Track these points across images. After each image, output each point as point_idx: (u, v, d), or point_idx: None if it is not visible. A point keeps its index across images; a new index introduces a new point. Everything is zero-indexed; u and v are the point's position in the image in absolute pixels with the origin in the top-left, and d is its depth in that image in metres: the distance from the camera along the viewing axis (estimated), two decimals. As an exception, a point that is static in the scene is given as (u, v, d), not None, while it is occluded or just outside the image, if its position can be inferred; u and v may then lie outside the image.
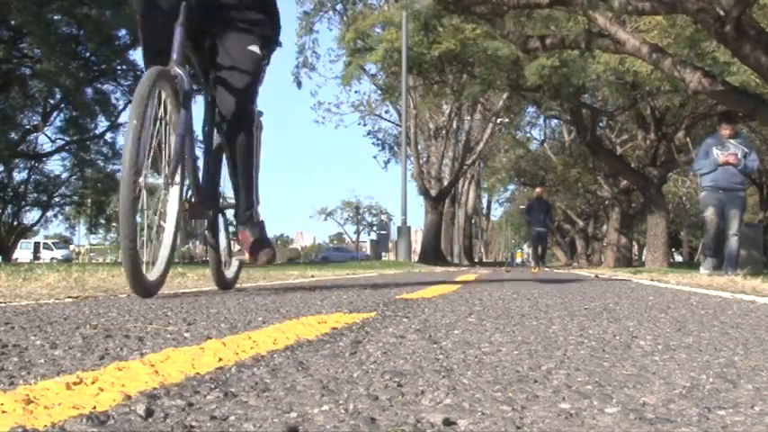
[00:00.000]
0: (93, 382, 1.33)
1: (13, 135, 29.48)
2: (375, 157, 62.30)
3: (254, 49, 4.43)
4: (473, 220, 57.89)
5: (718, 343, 2.16)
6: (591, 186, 34.67)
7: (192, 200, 4.46)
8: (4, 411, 1.11)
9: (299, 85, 30.95)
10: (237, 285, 5.35)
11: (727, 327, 2.66)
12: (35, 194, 34.42)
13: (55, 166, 59.72)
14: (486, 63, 18.84)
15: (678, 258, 52.67)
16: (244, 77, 4.32)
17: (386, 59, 20.75)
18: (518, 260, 67.57)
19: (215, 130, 4.61)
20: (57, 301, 3.73)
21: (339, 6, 30.88)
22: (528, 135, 41.55)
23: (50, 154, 32.42)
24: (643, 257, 30.56)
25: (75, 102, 29.46)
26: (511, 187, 54.87)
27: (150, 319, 2.71)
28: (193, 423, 1.10)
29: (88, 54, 29.39)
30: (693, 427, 1.12)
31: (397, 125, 36.58)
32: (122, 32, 29.01)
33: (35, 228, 43.04)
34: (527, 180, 40.50)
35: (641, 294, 4.97)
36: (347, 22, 25.46)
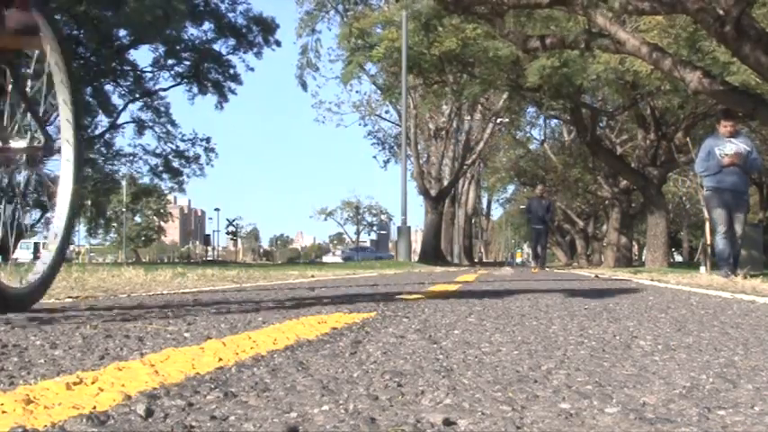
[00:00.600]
0: (93, 382, 1.33)
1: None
2: (375, 157, 62.33)
3: None
4: (473, 220, 57.90)
5: (718, 343, 2.16)
6: (591, 186, 34.68)
7: None
8: (4, 411, 1.11)
9: (305, 86, 30.82)
10: (237, 285, 5.36)
11: (727, 327, 2.66)
12: (35, 194, 34.41)
13: (55, 166, 59.68)
14: (486, 63, 18.83)
15: (678, 258, 52.68)
16: None
17: (386, 59, 20.76)
18: (518, 260, 67.58)
19: None
20: (56, 301, 3.73)
21: (340, 7, 30.90)
22: (528, 135, 41.56)
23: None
24: (643, 257, 30.56)
25: (74, 102, 29.39)
26: (511, 187, 54.87)
27: (150, 320, 2.71)
28: (193, 423, 1.10)
29: (88, 54, 29.40)
30: (693, 427, 1.12)
31: (397, 125, 36.59)
32: (122, 32, 29.05)
33: (35, 228, 43.07)
34: (527, 180, 40.51)
35: (641, 294, 4.96)
36: (348, 21, 25.45)
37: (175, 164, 33.72)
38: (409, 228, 24.58)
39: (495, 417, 1.16)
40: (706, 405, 1.26)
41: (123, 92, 31.89)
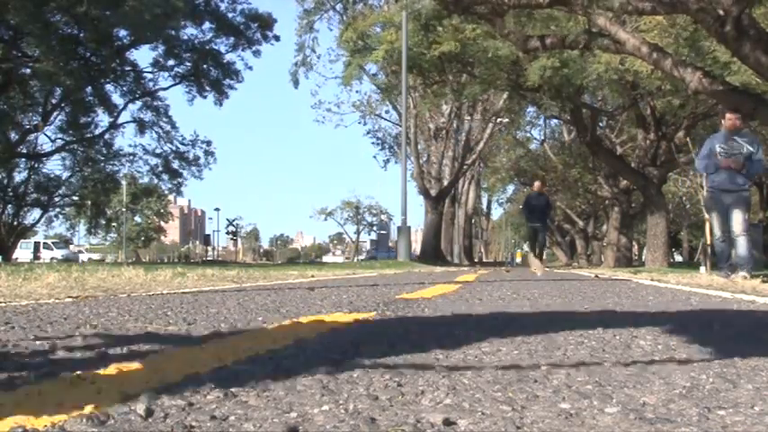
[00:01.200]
0: (93, 382, 1.33)
1: (13, 135, 29.47)
2: (375, 156, 62.27)
3: None
4: (473, 220, 57.89)
5: (718, 343, 2.15)
6: (591, 186, 34.65)
7: None
8: (4, 411, 1.11)
9: (296, 83, 30.84)
10: (237, 285, 5.36)
11: (728, 327, 2.66)
12: (35, 194, 34.42)
13: (55, 166, 59.77)
14: (486, 63, 18.83)
15: (678, 258, 52.68)
16: None
17: (386, 59, 20.75)
18: (518, 260, 67.53)
19: None
20: (57, 301, 3.73)
21: (339, 6, 30.91)
22: (528, 135, 41.54)
23: (50, 154, 32.44)
24: (643, 257, 30.55)
25: (74, 101, 29.45)
26: (511, 187, 54.85)
27: (150, 319, 2.71)
28: (193, 423, 1.10)
29: (88, 54, 29.39)
30: (693, 427, 1.12)
31: (397, 125, 36.59)
32: (122, 32, 29.05)
33: (35, 228, 43.06)
34: (527, 180, 40.50)
35: (641, 294, 4.96)
36: (347, 21, 25.43)
37: (175, 165, 33.75)
38: (409, 228, 24.57)
39: (495, 417, 1.16)
40: (706, 405, 1.26)
41: (123, 91, 31.92)
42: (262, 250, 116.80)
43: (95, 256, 62.91)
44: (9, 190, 32.45)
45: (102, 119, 32.17)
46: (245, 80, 33.06)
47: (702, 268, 12.94)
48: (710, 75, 11.23)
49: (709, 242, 17.19)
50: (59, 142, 32.35)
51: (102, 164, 33.55)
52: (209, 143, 34.43)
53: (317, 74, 68.88)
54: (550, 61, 16.19)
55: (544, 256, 19.92)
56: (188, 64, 32.16)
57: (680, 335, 2.36)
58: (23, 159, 32.15)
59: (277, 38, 32.57)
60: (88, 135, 32.00)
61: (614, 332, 2.43)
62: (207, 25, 31.89)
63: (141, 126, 32.78)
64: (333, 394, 1.31)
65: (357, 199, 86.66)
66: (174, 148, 33.71)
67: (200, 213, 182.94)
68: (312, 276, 9.13)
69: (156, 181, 36.04)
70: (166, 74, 32.44)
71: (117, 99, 32.03)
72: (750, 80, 13.51)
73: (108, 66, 29.96)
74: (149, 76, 32.47)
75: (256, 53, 32.57)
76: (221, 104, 32.51)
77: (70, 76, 25.70)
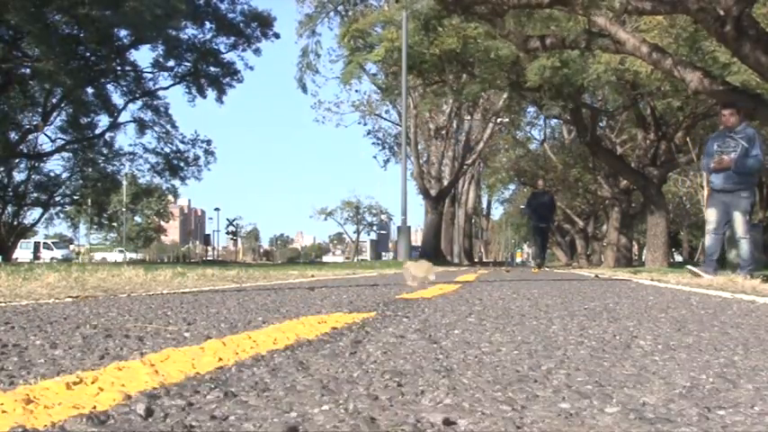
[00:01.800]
0: (93, 382, 1.33)
1: (13, 135, 29.46)
2: (375, 156, 62.27)
3: None
4: (473, 220, 57.89)
5: (718, 343, 2.15)
6: (591, 186, 34.67)
7: None
8: (4, 411, 1.11)
9: (305, 89, 30.71)
10: (237, 285, 5.36)
11: (727, 327, 2.66)
12: (35, 194, 34.44)
13: (55, 165, 59.75)
14: (486, 63, 18.82)
15: (678, 258, 52.67)
16: None
17: (386, 59, 20.74)
18: (518, 260, 67.59)
19: None
20: (57, 301, 3.73)
21: (340, 7, 30.89)
22: (528, 135, 41.54)
23: (50, 154, 32.45)
24: (643, 257, 30.55)
25: (75, 101, 29.47)
26: (511, 187, 54.85)
27: (150, 319, 2.71)
28: (193, 423, 1.10)
29: (88, 54, 29.41)
30: (693, 427, 1.12)
31: (397, 125, 36.60)
32: (122, 32, 29.07)
33: (36, 227, 43.08)
34: (527, 180, 40.51)
35: (641, 294, 4.96)
36: (348, 22, 25.42)
37: (176, 164, 33.75)
38: (409, 228, 24.56)
39: (495, 417, 1.16)
40: (706, 405, 1.26)
41: (124, 91, 31.94)
42: (262, 250, 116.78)
43: (114, 256, 62.02)
44: (9, 190, 32.43)
45: (102, 119, 32.19)
46: (246, 80, 33.05)
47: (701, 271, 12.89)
48: (710, 75, 11.23)
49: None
50: (59, 142, 32.36)
51: (102, 164, 33.56)
52: (208, 142, 34.46)
53: (317, 74, 68.85)
54: (550, 61, 16.18)
55: (545, 257, 19.72)
56: (187, 64, 32.18)
57: (680, 335, 2.36)
58: (24, 159, 32.15)
59: (277, 35, 32.60)
60: (89, 135, 32.00)
61: (614, 332, 2.43)
62: (207, 25, 31.92)
63: (141, 126, 32.80)
64: (333, 394, 1.31)
65: (357, 199, 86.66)
66: (174, 148, 33.73)
67: (200, 213, 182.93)
68: (312, 276, 9.13)
69: (156, 179, 36.05)
70: (166, 74, 32.47)
71: (117, 99, 32.07)
72: (750, 80, 13.51)
73: (108, 66, 29.97)
74: (149, 75, 32.49)
75: (256, 51, 32.60)
76: (222, 101, 32.52)
77: (70, 76, 25.70)
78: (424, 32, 18.29)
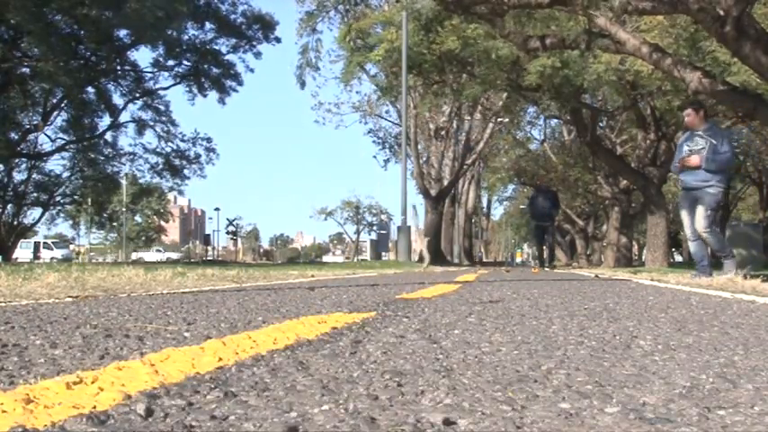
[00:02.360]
0: (93, 382, 1.33)
1: (13, 135, 29.46)
2: (375, 156, 62.24)
3: None
4: (473, 220, 57.89)
5: (718, 343, 2.15)
6: (591, 186, 34.68)
7: None
8: (4, 411, 1.11)
9: (303, 85, 30.73)
10: (237, 284, 5.36)
11: (727, 327, 2.66)
12: (35, 194, 34.45)
13: (55, 165, 59.77)
14: (486, 63, 18.82)
15: (678, 258, 52.67)
16: None
17: (386, 59, 20.74)
18: (518, 260, 67.55)
19: None
20: (57, 301, 3.73)
21: (341, 7, 30.86)
22: (528, 135, 41.54)
23: (50, 154, 32.45)
24: (643, 257, 30.55)
25: (75, 101, 29.46)
26: (511, 187, 54.86)
27: (150, 319, 2.71)
28: (193, 423, 1.10)
29: (88, 54, 29.40)
30: (693, 427, 1.12)
31: (397, 125, 36.59)
32: (122, 32, 29.07)
33: (36, 227, 43.09)
34: (527, 180, 40.51)
35: (641, 294, 4.96)
36: (348, 22, 25.41)
37: (176, 163, 33.75)
38: (409, 228, 24.57)
39: (495, 417, 1.16)
40: (706, 405, 1.26)
41: (124, 91, 31.93)
42: (262, 250, 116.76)
43: (153, 255, 60.64)
44: (9, 189, 32.42)
45: (103, 118, 32.18)
46: (246, 80, 33.03)
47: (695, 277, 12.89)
48: (710, 75, 11.22)
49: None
50: (59, 142, 32.35)
51: (102, 164, 33.55)
52: (209, 140, 34.43)
53: (318, 74, 68.80)
54: (550, 61, 16.19)
55: (553, 256, 19.49)
56: (187, 64, 32.18)
57: (680, 335, 2.36)
58: (24, 159, 32.14)
59: (278, 39, 32.57)
60: (89, 135, 32.00)
61: (614, 332, 2.43)
62: (208, 26, 31.91)
63: (141, 126, 32.79)
64: (333, 394, 1.31)
65: (357, 199, 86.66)
66: (174, 147, 33.72)
67: (200, 213, 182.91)
68: (312, 276, 9.13)
69: (157, 179, 36.04)
70: (167, 74, 32.46)
71: (117, 99, 32.06)
72: (750, 80, 13.51)
73: (108, 66, 29.98)
74: (150, 75, 32.49)
75: (257, 55, 32.57)
76: (224, 103, 32.50)
77: (70, 76, 25.69)
78: (424, 33, 18.29)
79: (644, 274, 11.22)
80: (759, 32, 9.85)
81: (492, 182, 49.80)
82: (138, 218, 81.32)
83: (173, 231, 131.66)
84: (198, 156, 33.98)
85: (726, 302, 4.08)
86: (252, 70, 35.19)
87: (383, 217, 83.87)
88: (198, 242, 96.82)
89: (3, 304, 3.42)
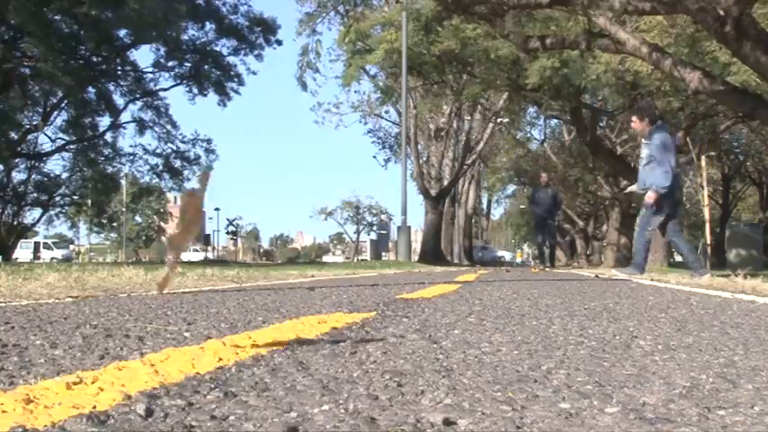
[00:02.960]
0: (93, 382, 1.33)
1: (13, 135, 29.46)
2: (375, 156, 62.26)
3: None
4: (473, 220, 57.89)
5: (718, 343, 2.15)
6: (591, 186, 34.69)
7: None
8: (4, 411, 1.11)
9: (304, 86, 30.66)
10: (237, 285, 5.36)
11: (727, 327, 2.66)
12: (35, 194, 34.45)
13: (55, 165, 59.76)
14: (486, 63, 18.82)
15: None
16: None
17: (386, 60, 20.73)
18: (518, 260, 67.55)
19: None
20: (57, 301, 3.73)
21: (341, 8, 30.84)
22: (528, 135, 41.55)
23: (50, 154, 32.45)
24: (643, 257, 30.51)
25: (75, 101, 29.46)
26: (511, 187, 54.87)
27: (150, 319, 2.71)
28: (193, 423, 1.10)
29: (88, 54, 29.40)
30: (693, 427, 1.12)
31: (397, 125, 36.59)
32: (122, 32, 29.05)
33: (36, 227, 43.11)
34: (527, 180, 40.53)
35: (641, 294, 4.96)
36: (348, 22, 25.41)
37: (176, 164, 33.75)
38: (409, 227, 24.56)
39: (495, 417, 1.16)
40: (706, 405, 1.26)
41: (124, 91, 31.92)
42: (262, 250, 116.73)
43: (187, 255, 60.03)
44: (9, 190, 32.42)
45: (103, 119, 32.18)
46: (246, 81, 32.97)
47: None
48: (710, 75, 11.22)
49: (709, 242, 17.18)
50: (59, 142, 32.34)
51: (102, 164, 33.55)
52: (209, 141, 34.43)
53: (318, 74, 68.80)
54: (550, 61, 16.18)
55: (554, 255, 19.40)
56: (188, 64, 32.16)
57: (680, 335, 2.36)
58: (24, 159, 32.13)
59: (279, 42, 32.54)
60: (89, 135, 31.99)
61: (614, 332, 2.43)
62: (208, 26, 31.89)
63: (141, 126, 32.78)
64: (333, 394, 1.31)
65: (357, 199, 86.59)
66: (174, 148, 33.71)
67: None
68: (312, 276, 9.13)
69: (156, 180, 36.04)
70: (167, 74, 32.45)
71: (117, 99, 32.05)
72: (750, 80, 13.51)
73: (108, 66, 29.97)
74: (150, 76, 32.48)
75: (258, 57, 32.54)
76: (225, 105, 32.48)
77: (70, 76, 25.69)
78: (423, 33, 18.28)
79: (644, 274, 11.21)
80: (759, 32, 9.85)
81: (492, 182, 49.83)
82: (138, 218, 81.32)
83: (173, 231, 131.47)
84: (198, 157, 33.99)
85: (726, 302, 4.08)
86: (254, 73, 35.25)
87: (383, 217, 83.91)
88: (198, 242, 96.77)
89: (3, 304, 3.42)
